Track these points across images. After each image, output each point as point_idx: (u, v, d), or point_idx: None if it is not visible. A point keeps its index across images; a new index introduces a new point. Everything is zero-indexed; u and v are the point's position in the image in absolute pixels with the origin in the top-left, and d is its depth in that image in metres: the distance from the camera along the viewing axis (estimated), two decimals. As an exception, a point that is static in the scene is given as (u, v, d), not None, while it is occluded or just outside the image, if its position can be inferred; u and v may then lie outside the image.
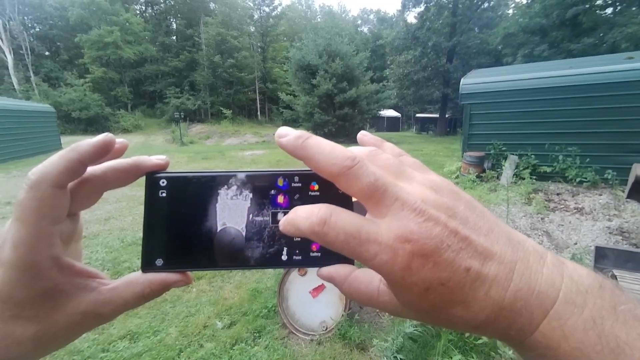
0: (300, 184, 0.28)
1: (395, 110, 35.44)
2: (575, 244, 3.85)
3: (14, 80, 25.43)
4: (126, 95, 29.99)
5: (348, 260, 0.27)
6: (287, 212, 0.25)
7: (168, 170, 0.28)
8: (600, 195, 5.61)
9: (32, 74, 27.43)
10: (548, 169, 6.64)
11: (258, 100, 33.63)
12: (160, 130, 26.09)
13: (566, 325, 0.19)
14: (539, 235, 4.17)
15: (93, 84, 26.85)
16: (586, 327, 0.19)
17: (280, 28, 36.55)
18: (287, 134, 0.24)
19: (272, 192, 0.28)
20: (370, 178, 0.21)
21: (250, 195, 0.28)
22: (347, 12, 57.76)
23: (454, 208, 0.22)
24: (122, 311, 0.26)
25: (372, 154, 0.25)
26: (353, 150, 0.24)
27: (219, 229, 0.27)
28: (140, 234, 0.27)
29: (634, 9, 16.04)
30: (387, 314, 2.45)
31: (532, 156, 6.78)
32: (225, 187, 0.28)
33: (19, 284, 0.22)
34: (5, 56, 25.45)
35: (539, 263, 0.21)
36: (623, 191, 5.37)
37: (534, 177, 6.48)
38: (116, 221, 4.90)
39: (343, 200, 0.26)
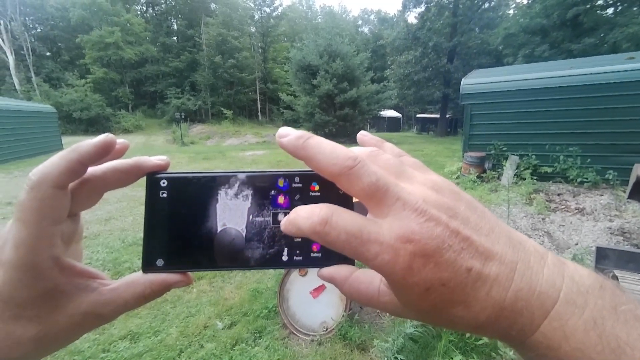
0: (300, 185, 0.28)
1: (395, 110, 35.42)
2: (576, 244, 3.85)
3: (16, 80, 25.48)
4: (127, 95, 30.03)
5: (348, 261, 0.27)
6: (288, 212, 0.25)
7: (169, 170, 0.28)
8: (602, 195, 5.60)
9: (33, 75, 27.48)
10: (549, 169, 6.63)
11: (259, 101, 33.65)
12: (161, 130, 26.12)
13: (567, 326, 0.19)
14: (540, 235, 4.17)
15: (94, 84, 26.89)
16: (587, 328, 0.19)
17: (280, 28, 36.57)
18: (287, 134, 0.24)
19: (273, 192, 0.28)
20: (371, 178, 0.21)
21: (251, 195, 0.28)
22: (348, 12, 57.88)
23: (455, 208, 0.22)
24: (122, 312, 0.26)
25: (373, 154, 0.25)
26: (354, 150, 0.24)
27: (219, 229, 0.27)
28: (141, 234, 0.27)
29: (634, 9, 16.01)
30: (387, 314, 2.46)
31: (533, 156, 6.77)
32: (226, 187, 0.28)
33: (20, 284, 0.22)
34: (7, 57, 25.51)
35: (539, 263, 0.21)
36: (624, 191, 5.36)
37: (535, 177, 6.47)
38: (117, 221, 4.91)
39: (344, 200, 0.26)
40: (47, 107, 15.21)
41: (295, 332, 2.34)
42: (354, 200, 0.27)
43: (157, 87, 32.24)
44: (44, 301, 0.23)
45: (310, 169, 0.26)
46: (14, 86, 25.22)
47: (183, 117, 20.53)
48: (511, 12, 26.77)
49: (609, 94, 6.05)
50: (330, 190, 0.27)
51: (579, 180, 6.22)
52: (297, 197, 0.28)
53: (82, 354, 2.18)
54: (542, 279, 0.20)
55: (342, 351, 2.17)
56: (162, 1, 36.22)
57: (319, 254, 0.28)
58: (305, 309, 2.36)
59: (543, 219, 4.70)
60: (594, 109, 6.22)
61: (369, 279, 0.25)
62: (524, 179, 6.36)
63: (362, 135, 0.29)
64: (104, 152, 0.24)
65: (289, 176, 0.28)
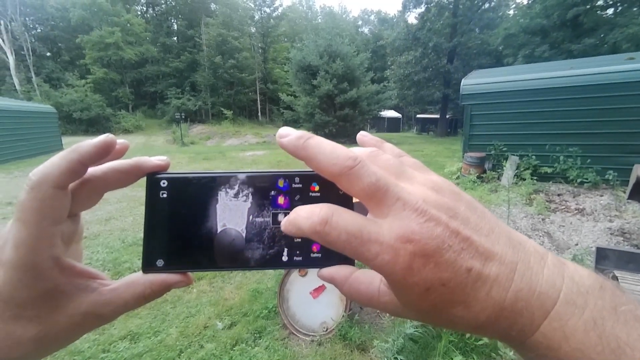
0: (300, 185, 0.28)
1: (395, 110, 35.43)
2: (576, 244, 3.85)
3: (16, 81, 25.48)
4: (127, 95, 30.02)
5: (348, 261, 0.27)
6: (288, 213, 0.25)
7: (169, 171, 0.28)
8: (602, 196, 5.60)
9: (33, 75, 27.49)
10: (549, 170, 6.63)
11: (259, 101, 33.65)
12: (161, 130, 26.12)
13: (567, 326, 0.19)
14: (540, 236, 4.17)
15: (94, 84, 26.88)
16: (587, 328, 0.19)
17: (281, 29, 36.58)
18: (288, 134, 0.24)
19: (273, 193, 0.28)
20: (371, 178, 0.22)
21: (251, 196, 0.28)
22: (348, 12, 57.89)
23: (455, 208, 0.22)
24: (122, 312, 0.26)
25: (373, 155, 0.25)
26: (354, 150, 0.24)
27: (219, 230, 0.27)
28: (141, 235, 0.27)
29: (634, 9, 16.01)
30: (387, 314, 2.45)
31: (533, 157, 6.77)
32: (226, 188, 0.28)
33: (20, 284, 0.22)
34: (7, 57, 25.52)
35: (539, 264, 0.21)
36: (624, 192, 5.35)
37: (535, 177, 6.47)
38: (117, 221, 4.91)
39: (344, 201, 0.26)
40: (47, 107, 15.22)
41: (295, 333, 2.34)
42: (354, 200, 0.27)
43: (157, 87, 32.24)
44: (44, 301, 0.23)
45: (311, 170, 0.26)
46: (14, 86, 25.22)
47: (183, 117, 20.53)
48: (511, 12, 26.79)
49: (609, 95, 6.05)
50: (330, 191, 0.27)
51: (579, 180, 6.21)
52: (297, 197, 0.28)
53: (82, 354, 2.18)
54: (542, 280, 0.20)
55: (342, 351, 2.16)
56: (163, 1, 36.23)
57: (319, 255, 0.28)
58: (305, 310, 2.36)
59: (543, 219, 4.69)
60: (594, 110, 6.23)
61: (369, 279, 0.25)
62: (524, 180, 6.36)
63: (361, 135, 0.29)
64: (104, 153, 0.24)
65: (289, 176, 0.28)
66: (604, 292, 0.20)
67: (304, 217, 0.23)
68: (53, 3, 30.02)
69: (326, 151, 0.23)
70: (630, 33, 14.57)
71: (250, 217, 0.28)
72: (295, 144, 0.23)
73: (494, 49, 22.80)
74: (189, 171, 0.28)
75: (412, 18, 27.84)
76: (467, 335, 1.88)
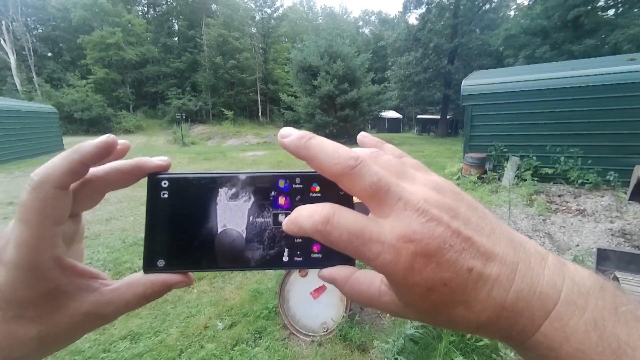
0: (301, 186, 0.28)
1: (396, 111, 35.43)
2: (577, 245, 3.84)
3: (17, 81, 25.52)
4: (128, 96, 30.06)
5: (349, 262, 0.27)
6: (289, 213, 0.25)
7: (170, 171, 0.28)
8: (602, 197, 5.59)
9: (34, 75, 27.54)
10: (550, 171, 6.63)
11: (259, 102, 33.67)
12: (161, 131, 26.14)
13: (568, 326, 0.19)
14: (541, 237, 4.16)
15: (95, 84, 26.92)
16: (587, 328, 0.19)
17: (281, 29, 36.59)
18: (289, 134, 0.24)
19: (273, 193, 0.28)
20: (373, 178, 0.22)
21: (252, 196, 0.28)
22: (349, 13, 57.87)
23: (457, 209, 0.22)
24: (123, 312, 0.26)
25: (374, 155, 0.25)
26: (355, 151, 0.24)
27: (219, 230, 0.27)
28: (142, 235, 0.27)
29: (635, 10, 16.01)
30: (388, 315, 2.45)
31: (534, 158, 6.77)
32: (227, 188, 0.28)
33: (22, 284, 0.22)
34: (8, 57, 25.56)
35: (540, 264, 0.21)
36: (625, 193, 5.35)
37: (536, 178, 6.46)
38: (118, 222, 4.92)
39: (344, 201, 0.26)
40: (48, 108, 15.24)
41: (295, 333, 2.34)
42: (355, 201, 0.27)
43: (158, 87, 32.28)
44: (46, 301, 0.23)
45: (311, 170, 0.26)
46: (16, 86, 25.26)
47: (184, 117, 20.51)
48: (512, 13, 26.83)
49: (610, 96, 6.05)
50: (331, 191, 0.27)
51: (579, 181, 6.21)
52: (298, 198, 0.28)
53: (82, 354, 2.18)
54: (542, 280, 0.20)
55: (343, 352, 2.16)
56: (163, 2, 36.28)
57: (320, 255, 0.28)
58: (306, 310, 2.36)
59: (544, 220, 4.69)
60: (594, 111, 6.22)
61: (370, 280, 0.25)
62: (525, 180, 6.35)
63: (362, 136, 0.29)
64: (106, 153, 0.24)
65: (290, 177, 0.28)
66: (604, 293, 0.20)
67: (306, 216, 0.23)
68: (54, 3, 30.07)
69: (328, 151, 0.23)
70: (631, 34, 14.56)
71: (251, 217, 0.28)
72: (297, 144, 0.23)
73: (495, 50, 22.79)
74: (189, 171, 0.28)
75: (412, 19, 27.89)
76: (468, 335, 1.88)
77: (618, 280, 2.03)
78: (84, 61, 28.28)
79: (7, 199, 6.06)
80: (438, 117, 27.49)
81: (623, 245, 3.79)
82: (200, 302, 2.82)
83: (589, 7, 17.07)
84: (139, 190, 5.52)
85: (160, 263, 0.27)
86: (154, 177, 0.28)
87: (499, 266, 0.20)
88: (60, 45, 32.36)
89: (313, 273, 2.22)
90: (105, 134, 0.26)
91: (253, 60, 31.94)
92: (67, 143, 14.82)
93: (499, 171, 7.08)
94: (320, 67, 18.56)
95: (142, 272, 0.27)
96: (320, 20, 45.54)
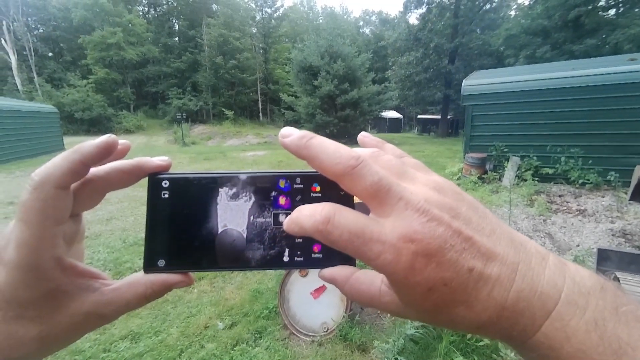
0: (302, 186, 0.28)
1: (396, 111, 35.42)
2: (578, 246, 3.84)
3: (18, 81, 25.55)
4: (129, 96, 30.07)
5: (349, 262, 0.27)
6: (289, 213, 0.25)
7: (170, 171, 0.28)
8: (603, 197, 5.58)
9: (35, 75, 27.57)
10: (550, 171, 6.62)
11: (260, 101, 33.66)
12: (162, 131, 26.15)
13: (568, 326, 0.19)
14: (541, 237, 4.16)
15: (96, 84, 26.94)
16: (588, 328, 0.19)
17: (282, 29, 36.59)
18: (290, 134, 0.24)
19: (274, 193, 0.28)
20: (374, 177, 0.22)
21: (252, 196, 0.28)
22: (349, 13, 57.88)
23: (457, 209, 0.22)
24: (124, 312, 0.26)
25: (375, 155, 0.25)
26: (356, 150, 0.24)
27: (219, 230, 0.27)
28: (142, 235, 0.27)
29: (637, 10, 15.99)
30: (388, 315, 2.45)
31: (534, 158, 6.76)
32: (227, 188, 0.28)
33: (22, 284, 0.22)
34: (9, 57, 25.59)
35: (541, 264, 0.21)
36: (626, 193, 5.35)
37: (536, 178, 6.45)
38: (118, 221, 4.92)
39: (345, 201, 0.26)
40: (49, 108, 15.26)
41: (295, 333, 2.34)
42: (356, 201, 0.27)
43: (159, 87, 32.29)
44: (46, 301, 0.23)
45: (312, 170, 0.26)
46: (16, 86, 25.29)
47: (184, 117, 20.52)
48: (513, 13, 26.80)
49: (611, 96, 6.04)
50: (331, 191, 0.27)
51: (580, 181, 6.20)
52: (299, 198, 0.28)
53: (83, 354, 2.18)
54: (543, 280, 0.20)
55: (343, 352, 2.16)
56: (164, 2, 36.29)
57: (320, 255, 0.28)
58: (306, 310, 2.36)
59: (544, 220, 4.69)
60: (595, 111, 6.21)
61: (370, 280, 0.25)
62: (525, 181, 6.34)
63: (363, 136, 0.29)
64: (106, 153, 0.24)
65: (290, 177, 0.28)
66: (605, 293, 0.20)
67: (307, 215, 0.23)
68: (55, 3, 30.10)
69: (329, 150, 0.23)
70: (632, 34, 14.55)
71: (251, 217, 0.28)
72: (298, 144, 0.23)
73: (495, 50, 22.79)
74: (190, 171, 0.28)
75: (413, 19, 27.90)
76: (468, 336, 1.88)
77: (619, 281, 2.03)
78: (85, 61, 28.30)
79: (8, 198, 6.07)
80: (438, 117, 27.50)
81: (624, 246, 3.79)
82: (200, 302, 2.82)
83: (589, 7, 17.06)
84: (140, 190, 5.52)
85: (161, 263, 0.27)
86: (154, 177, 0.28)
87: (500, 266, 0.20)
88: (61, 45, 32.37)
89: (313, 273, 2.22)
90: (106, 134, 0.26)
91: (253, 60, 31.94)
92: (68, 143, 14.85)
93: (500, 171, 7.08)
94: (321, 67, 18.56)
95: (142, 272, 0.27)
96: (320, 20, 45.53)
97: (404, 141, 19.77)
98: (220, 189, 0.28)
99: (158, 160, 0.28)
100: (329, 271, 0.27)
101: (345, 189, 0.23)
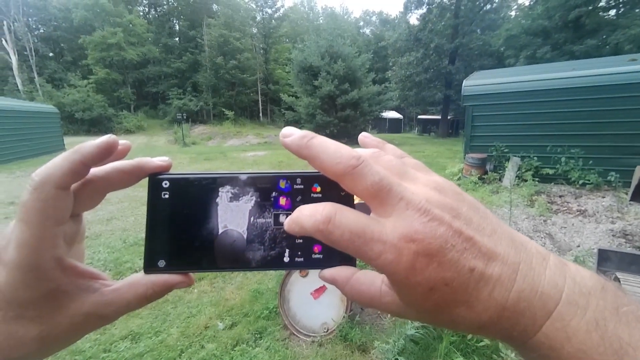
0: (302, 186, 0.28)
1: (397, 111, 35.43)
2: (578, 246, 3.83)
3: (18, 81, 25.57)
4: (129, 96, 30.08)
5: (350, 262, 0.27)
6: (289, 214, 0.25)
7: (171, 171, 0.28)
8: (604, 197, 5.58)
9: (36, 75, 27.59)
10: (551, 171, 6.62)
11: (260, 102, 33.67)
12: (162, 131, 26.16)
13: (569, 327, 0.19)
14: (542, 237, 4.16)
15: (96, 85, 26.95)
16: (589, 329, 0.19)
17: (282, 30, 36.60)
18: (291, 133, 0.24)
19: (274, 194, 0.28)
20: (375, 177, 0.22)
21: (252, 197, 0.28)
22: (350, 13, 57.88)
23: (458, 209, 0.22)
24: (124, 312, 0.26)
25: (375, 155, 0.25)
26: (356, 150, 0.24)
27: (220, 231, 0.27)
28: (142, 235, 0.27)
29: (637, 10, 15.99)
30: (388, 315, 2.45)
31: (535, 158, 6.76)
32: (227, 188, 0.28)
33: (23, 284, 0.22)
34: (10, 57, 25.62)
35: (541, 265, 0.21)
36: (626, 193, 5.35)
37: (537, 179, 6.45)
38: (118, 222, 4.92)
39: (346, 202, 0.26)
40: (49, 108, 15.27)
41: (296, 333, 2.34)
42: (356, 201, 0.27)
43: (159, 87, 32.31)
44: (46, 302, 0.23)
45: (312, 171, 0.26)
46: (17, 86, 25.31)
47: (185, 117, 20.52)
48: (513, 13, 26.82)
49: (611, 96, 6.04)
50: (332, 192, 0.27)
51: (580, 182, 6.20)
52: (299, 198, 0.28)
53: (83, 354, 2.18)
54: (544, 280, 0.20)
55: (343, 352, 2.16)
56: (165, 2, 36.32)
57: (321, 255, 0.28)
58: (306, 310, 2.36)
59: (545, 220, 4.68)
60: (596, 111, 6.21)
61: (371, 280, 0.25)
62: (526, 181, 6.34)
63: (363, 136, 0.29)
64: (107, 153, 0.24)
65: (291, 177, 0.28)
66: (605, 293, 0.20)
67: (307, 215, 0.23)
68: (56, 4, 30.12)
69: (330, 150, 0.23)
70: (632, 34, 14.54)
71: (252, 218, 0.28)
72: (299, 144, 0.23)
73: (496, 50, 22.78)
74: (190, 172, 0.28)
75: (413, 19, 27.89)
76: (469, 336, 1.88)
77: (619, 281, 2.03)
78: (85, 61, 28.32)
79: (9, 198, 6.08)
80: (439, 117, 27.50)
81: (624, 246, 3.79)
82: (200, 302, 2.82)
83: (590, 8, 17.05)
84: (140, 191, 5.52)
85: (161, 263, 0.27)
86: (154, 177, 0.28)
87: (501, 266, 0.20)
88: (62, 45, 32.40)
89: (313, 273, 2.22)
90: (106, 134, 0.26)
91: (254, 60, 31.95)
92: (68, 143, 14.86)
93: (500, 172, 7.07)
94: (321, 67, 18.58)
95: (142, 272, 0.27)
96: (321, 21, 45.55)
97: (404, 141, 19.77)
98: (220, 190, 0.28)
99: (158, 160, 0.28)
100: (330, 272, 0.27)
101: (346, 189, 0.23)
